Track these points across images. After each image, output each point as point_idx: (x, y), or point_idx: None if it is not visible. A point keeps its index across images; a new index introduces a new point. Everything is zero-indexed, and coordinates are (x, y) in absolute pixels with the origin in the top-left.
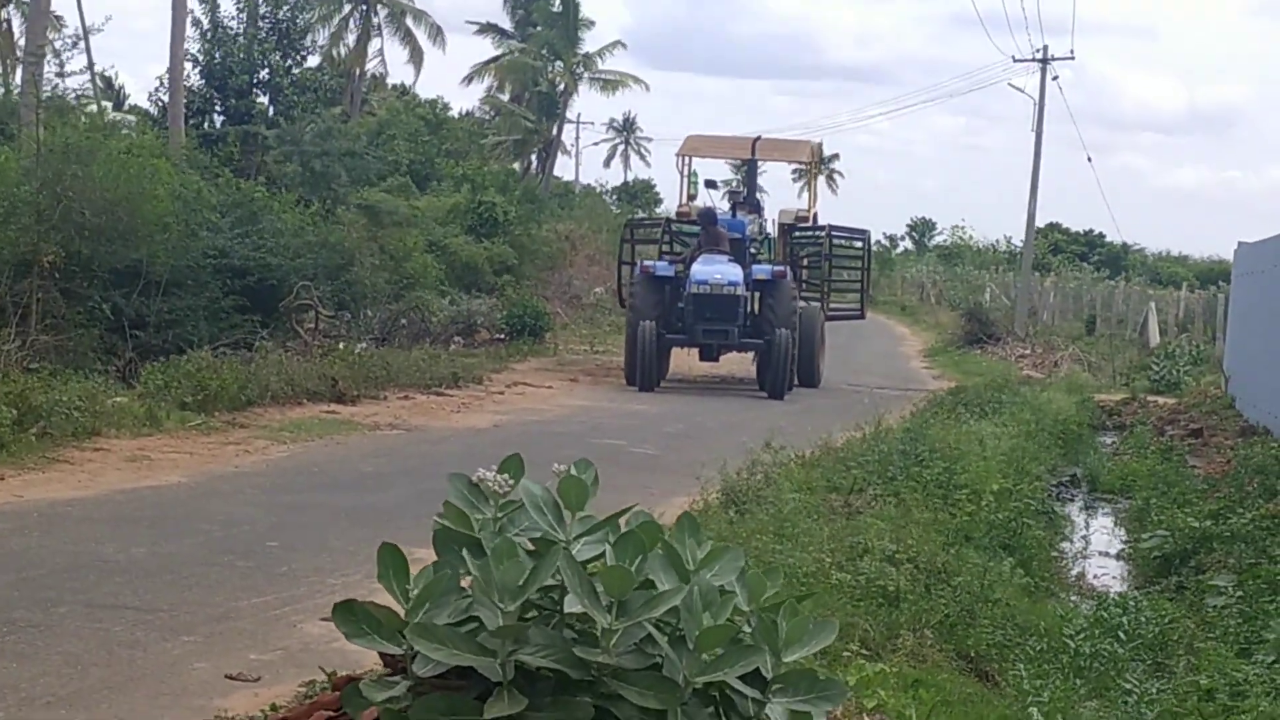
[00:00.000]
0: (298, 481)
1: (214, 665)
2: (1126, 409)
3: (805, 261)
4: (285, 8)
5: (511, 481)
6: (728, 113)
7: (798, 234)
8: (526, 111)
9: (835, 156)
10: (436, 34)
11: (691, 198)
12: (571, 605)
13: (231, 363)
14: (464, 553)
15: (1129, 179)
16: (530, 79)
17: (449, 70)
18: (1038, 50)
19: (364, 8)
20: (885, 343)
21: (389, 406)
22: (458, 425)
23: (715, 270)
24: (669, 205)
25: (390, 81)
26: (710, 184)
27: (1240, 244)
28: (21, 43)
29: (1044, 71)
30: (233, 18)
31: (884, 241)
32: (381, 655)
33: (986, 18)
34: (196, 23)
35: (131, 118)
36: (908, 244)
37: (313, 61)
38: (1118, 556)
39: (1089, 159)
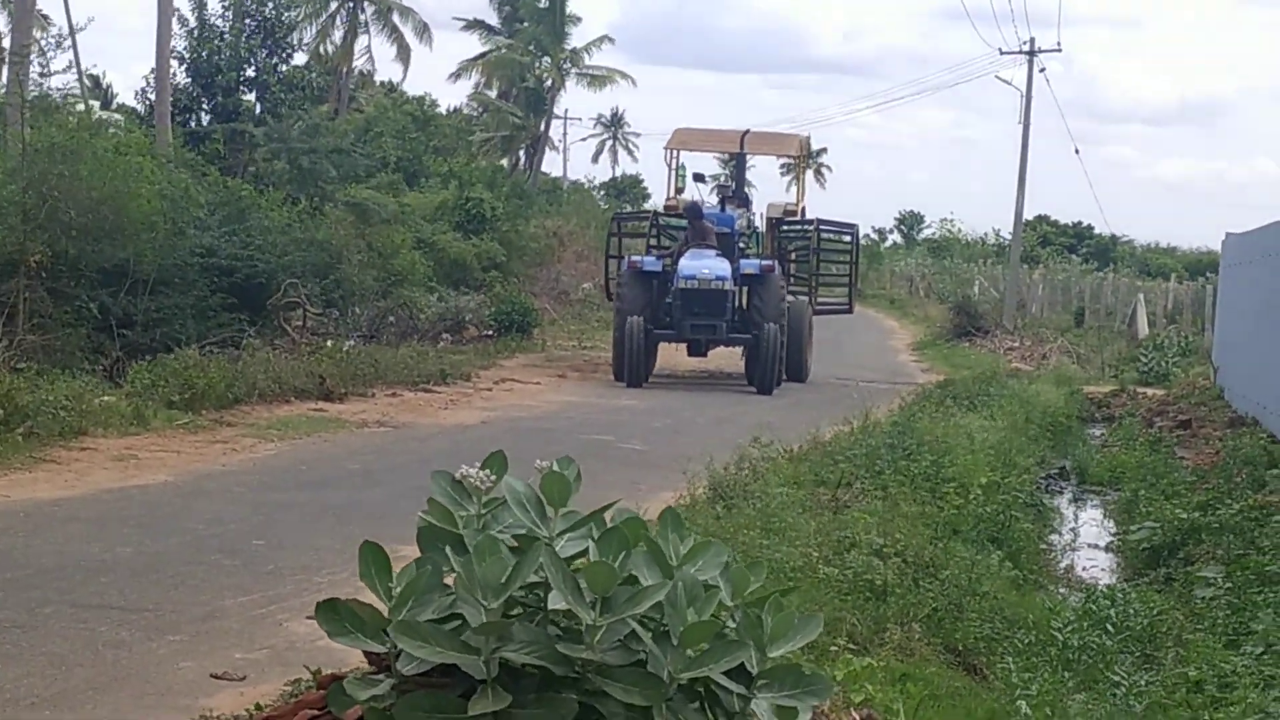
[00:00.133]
0: (285, 480)
1: (199, 664)
2: (1115, 401)
3: (793, 256)
4: (271, 5)
5: (494, 478)
6: (716, 107)
7: (786, 228)
8: (514, 108)
9: (823, 150)
10: (423, 30)
11: (679, 191)
12: (555, 602)
13: (219, 361)
14: (447, 550)
15: (1117, 171)
16: (518, 75)
17: (437, 67)
18: (1025, 43)
19: (351, 5)
20: (874, 336)
21: (377, 404)
22: (445, 422)
23: (703, 265)
24: (657, 200)
25: (378, 78)
26: (698, 178)
27: (1228, 235)
28: (6, 43)
29: (1031, 64)
30: (219, 15)
31: (872, 235)
32: (366, 653)
33: (973, 11)
34: (183, 20)
35: (119, 116)
36: (896, 237)
37: (300, 59)
38: (1106, 548)
39: (1076, 151)
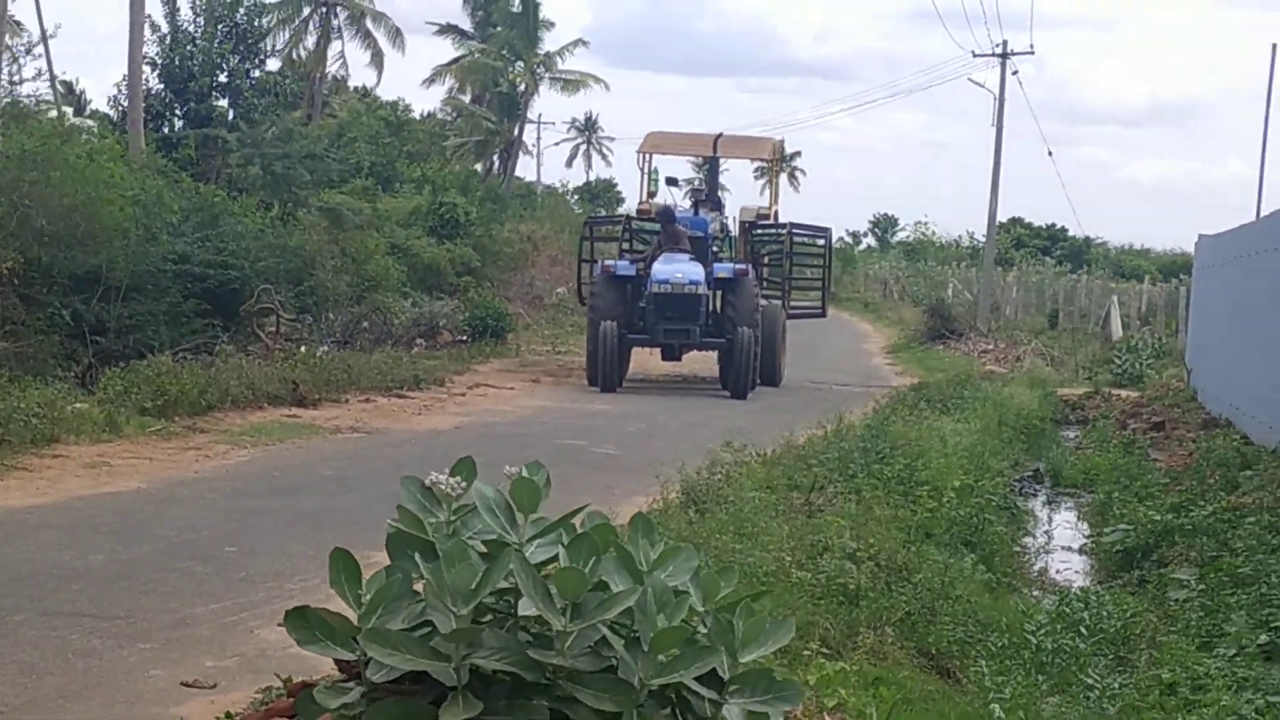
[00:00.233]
0: (257, 486)
1: (170, 672)
2: (1089, 403)
3: (766, 260)
4: (243, 11)
5: (464, 484)
6: (689, 111)
7: (758, 232)
8: (488, 112)
9: (797, 154)
10: (396, 36)
11: (652, 195)
12: (525, 608)
13: (192, 367)
14: (416, 557)
15: (1091, 172)
16: (491, 80)
17: (411, 72)
18: (997, 45)
19: (323, 10)
20: (848, 340)
21: (350, 409)
22: (419, 428)
23: (677, 269)
24: (631, 204)
25: (352, 84)
26: (671, 181)
27: (1201, 237)
28: None
29: (1004, 66)
30: (191, 22)
31: (846, 238)
32: (336, 661)
33: (946, 13)
34: (155, 27)
35: (92, 123)
36: (870, 240)
37: (274, 65)
38: (1080, 551)
39: (1050, 153)
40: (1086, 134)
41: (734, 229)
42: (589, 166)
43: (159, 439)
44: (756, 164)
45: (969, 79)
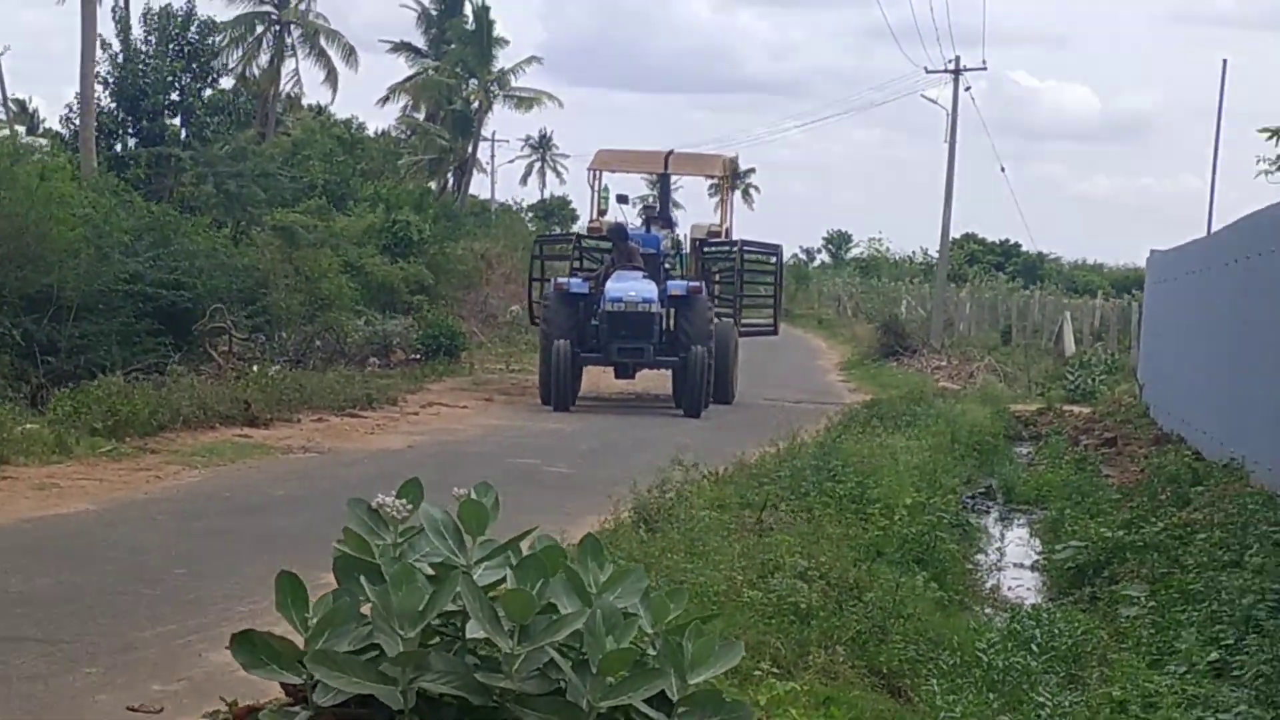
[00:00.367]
0: (208, 507)
1: (116, 697)
2: (1042, 419)
3: (718, 277)
4: (195, 29)
5: (410, 507)
6: (644, 128)
7: (710, 249)
8: (442, 130)
9: (751, 170)
10: (350, 53)
11: (602, 213)
12: (473, 631)
13: (143, 387)
14: (362, 579)
15: (1045, 188)
16: (445, 97)
17: (366, 89)
18: (950, 61)
19: (277, 28)
20: (802, 356)
21: (302, 429)
22: (372, 447)
23: (629, 287)
24: (586, 221)
25: (307, 102)
26: (622, 199)
27: (1153, 252)
28: None
29: (956, 82)
30: (143, 40)
31: (801, 255)
32: (283, 685)
33: (900, 30)
34: (106, 45)
35: (45, 141)
36: (825, 257)
37: (227, 83)
38: (1032, 568)
39: (1002, 169)
40: (1039, 150)
41: (686, 246)
42: (543, 184)
43: (109, 460)
44: (710, 181)
45: (922, 95)
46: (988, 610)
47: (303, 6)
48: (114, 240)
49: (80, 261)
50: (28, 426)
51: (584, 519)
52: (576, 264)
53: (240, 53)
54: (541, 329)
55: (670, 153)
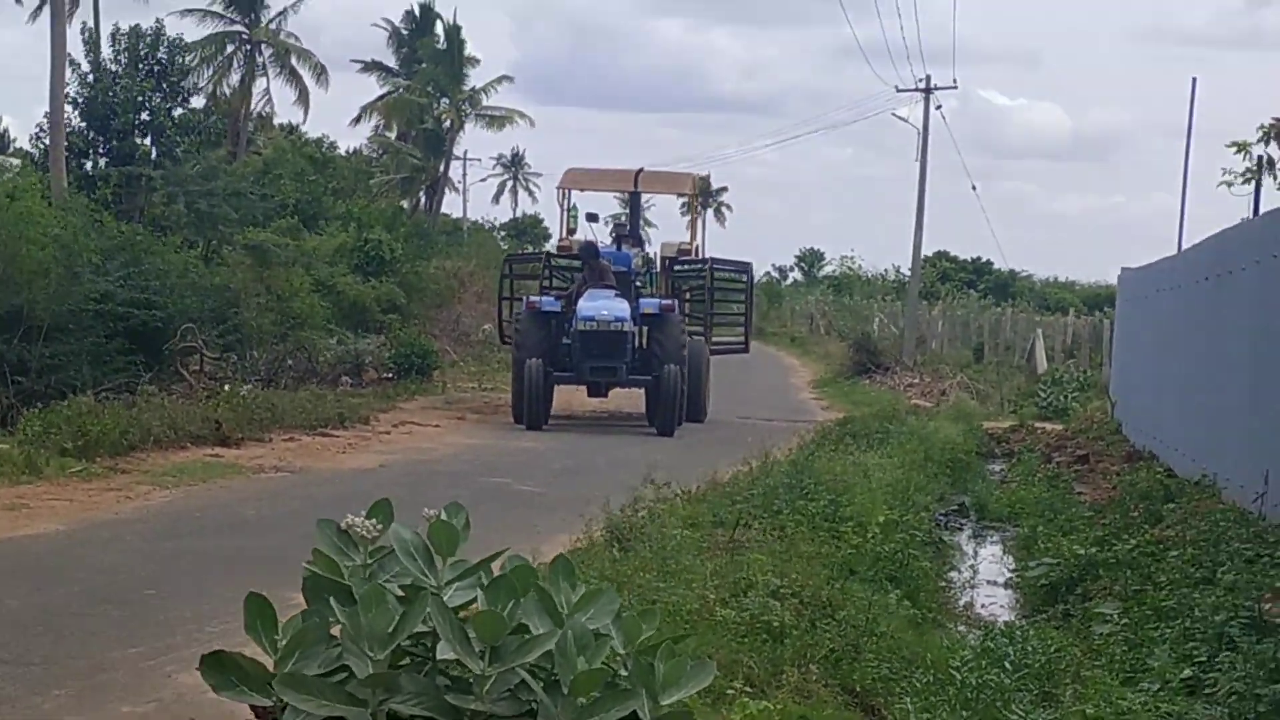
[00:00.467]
0: (179, 527)
1: (85, 719)
2: (1014, 436)
3: (688, 295)
4: (164, 49)
5: (380, 527)
6: (616, 146)
7: (680, 268)
8: (413, 149)
9: (724, 189)
10: (321, 73)
11: (571, 231)
12: (444, 652)
13: (114, 407)
14: (332, 601)
15: (1016, 206)
16: (416, 116)
17: (338, 108)
18: (920, 80)
19: (248, 47)
20: (774, 375)
21: (274, 449)
22: (344, 466)
23: (602, 306)
24: (557, 240)
25: (279, 121)
26: (592, 217)
27: (1124, 269)
28: None
29: (927, 101)
30: (113, 60)
31: (773, 273)
32: (252, 707)
33: (871, 48)
34: (74, 65)
35: (15, 161)
36: (797, 275)
37: (198, 102)
38: (1005, 585)
39: (974, 187)
40: (1011, 168)
41: (656, 264)
42: (516, 202)
43: (80, 480)
44: (681, 199)
45: (893, 114)
46: (961, 628)
47: (274, 26)
48: (84, 260)
49: (50, 281)
50: None
51: (556, 538)
52: (546, 283)
53: (211, 72)
54: (514, 348)
55: (640, 171)
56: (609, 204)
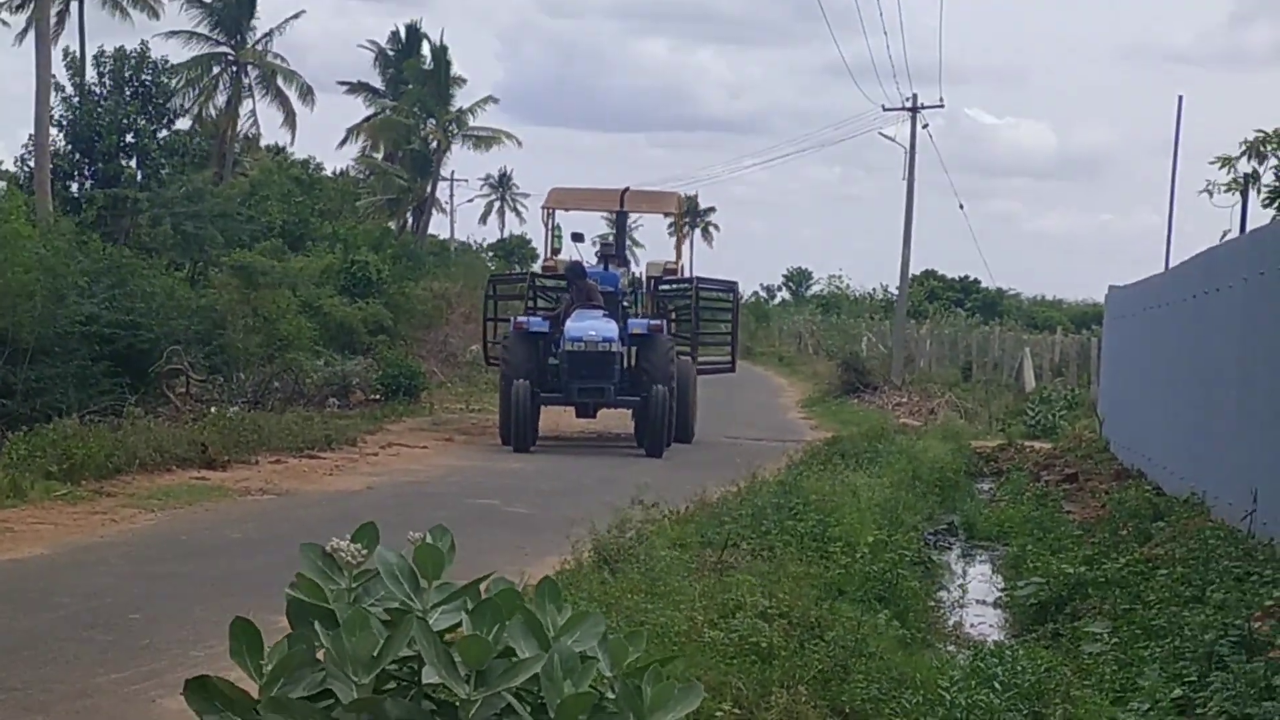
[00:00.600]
0: (164, 551)
1: None
2: (1003, 455)
3: (674, 314)
4: (149, 72)
5: (364, 551)
6: (603, 166)
7: (665, 287)
8: (400, 170)
9: (711, 209)
10: (307, 94)
11: (556, 251)
12: (429, 676)
13: (99, 430)
14: (316, 625)
15: (1003, 224)
16: (403, 137)
17: (324, 129)
18: (907, 99)
19: (234, 69)
20: (763, 394)
21: (260, 471)
22: (330, 489)
23: (590, 327)
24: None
25: (265, 142)
26: (577, 237)
27: (1111, 288)
28: None
29: (914, 120)
30: (98, 82)
31: (761, 292)
32: None
33: (858, 68)
34: (59, 88)
35: (1, 184)
36: (785, 294)
37: (184, 124)
38: (994, 604)
39: (961, 206)
40: (997, 186)
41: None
42: (503, 223)
43: (64, 503)
44: (667, 218)
45: (880, 133)
46: (950, 648)
47: (260, 47)
48: (70, 282)
49: (36, 303)
50: None
51: (544, 560)
52: (531, 303)
53: (196, 93)
54: (501, 368)
55: (625, 190)
56: (596, 224)
